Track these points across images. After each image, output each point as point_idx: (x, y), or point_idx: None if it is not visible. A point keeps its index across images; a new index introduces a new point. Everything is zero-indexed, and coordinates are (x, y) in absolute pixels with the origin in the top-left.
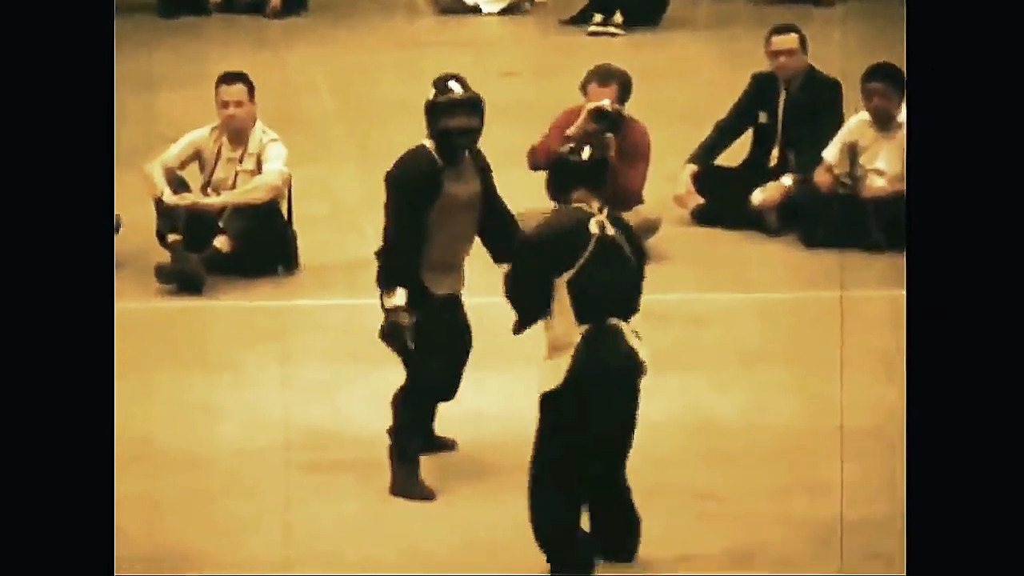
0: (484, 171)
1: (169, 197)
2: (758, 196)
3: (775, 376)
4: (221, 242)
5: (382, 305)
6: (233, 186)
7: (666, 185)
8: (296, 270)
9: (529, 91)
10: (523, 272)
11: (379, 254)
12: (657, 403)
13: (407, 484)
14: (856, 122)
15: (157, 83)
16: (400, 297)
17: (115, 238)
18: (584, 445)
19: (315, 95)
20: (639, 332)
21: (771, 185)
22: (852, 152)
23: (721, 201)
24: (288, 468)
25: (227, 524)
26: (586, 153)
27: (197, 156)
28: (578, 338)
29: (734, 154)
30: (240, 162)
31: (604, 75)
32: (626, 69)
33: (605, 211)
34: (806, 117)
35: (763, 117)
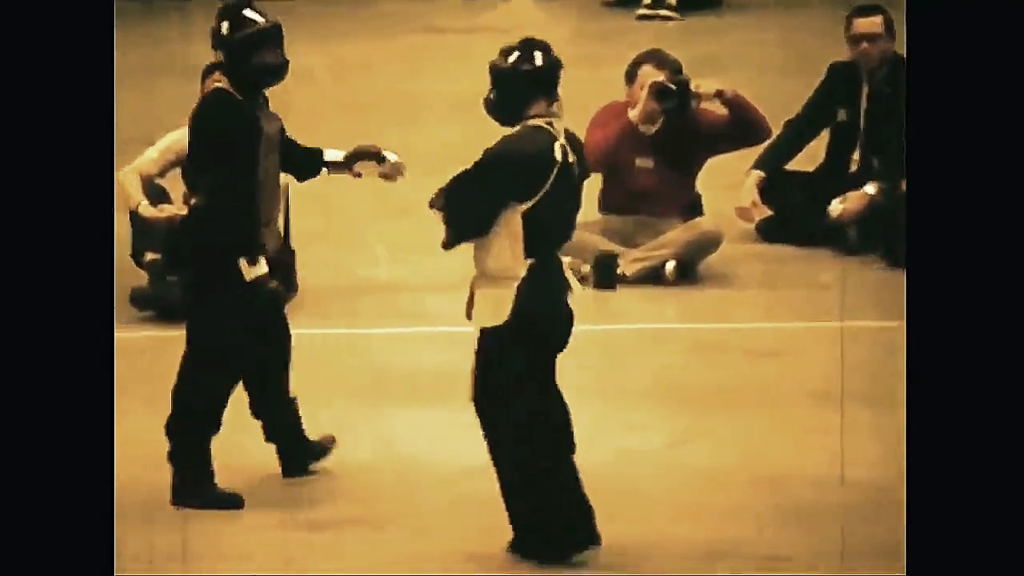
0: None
1: (146, 209)
2: (836, 207)
3: (854, 419)
4: None
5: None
6: None
7: (728, 195)
8: (293, 294)
9: (567, 85)
10: (475, 190)
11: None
12: (714, 449)
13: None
14: None
15: (131, 74)
16: (262, 265)
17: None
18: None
19: (316, 89)
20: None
21: (852, 195)
22: None
23: (792, 213)
24: (281, 528)
25: None
26: (539, 59)
27: (179, 162)
28: (523, 271)
29: (808, 158)
30: None
31: (660, 58)
32: (681, 59)
33: (563, 130)
34: (893, 114)
35: (842, 114)
